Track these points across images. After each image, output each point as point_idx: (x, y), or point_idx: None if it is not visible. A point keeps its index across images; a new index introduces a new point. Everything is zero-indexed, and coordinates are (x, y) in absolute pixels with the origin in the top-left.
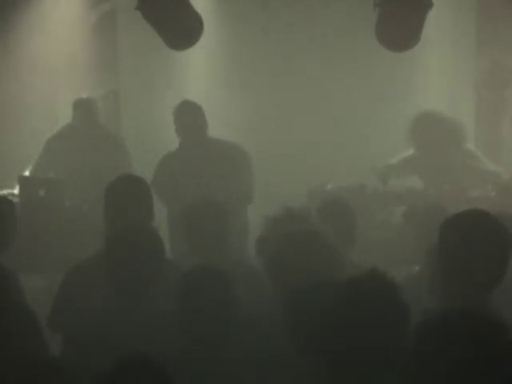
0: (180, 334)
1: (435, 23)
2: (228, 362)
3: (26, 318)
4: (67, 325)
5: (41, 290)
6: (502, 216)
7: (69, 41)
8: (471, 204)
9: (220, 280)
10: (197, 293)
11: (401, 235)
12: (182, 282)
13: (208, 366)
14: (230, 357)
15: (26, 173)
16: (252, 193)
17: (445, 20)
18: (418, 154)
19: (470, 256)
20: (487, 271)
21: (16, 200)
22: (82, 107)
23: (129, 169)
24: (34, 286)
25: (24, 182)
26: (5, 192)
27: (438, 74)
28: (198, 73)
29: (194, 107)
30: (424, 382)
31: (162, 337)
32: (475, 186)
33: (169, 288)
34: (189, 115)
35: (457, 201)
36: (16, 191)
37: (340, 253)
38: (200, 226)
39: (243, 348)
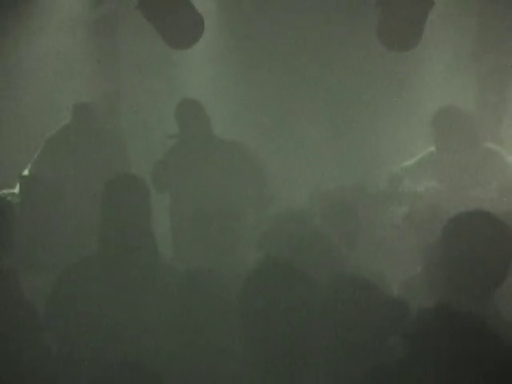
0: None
1: (436, 22)
2: None
3: (25, 318)
4: (63, 321)
5: (41, 290)
6: (504, 217)
7: (69, 41)
8: (472, 204)
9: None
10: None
11: (401, 235)
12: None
13: None
14: None
15: (26, 172)
16: (269, 196)
17: (446, 19)
18: (437, 152)
19: (472, 257)
20: (489, 272)
21: (16, 200)
22: (81, 113)
23: (128, 169)
24: (34, 286)
25: (24, 181)
26: (5, 192)
27: (440, 74)
28: (199, 72)
29: (194, 103)
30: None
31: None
32: (477, 186)
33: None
34: (189, 111)
35: (458, 201)
36: (16, 191)
37: (341, 253)
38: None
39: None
